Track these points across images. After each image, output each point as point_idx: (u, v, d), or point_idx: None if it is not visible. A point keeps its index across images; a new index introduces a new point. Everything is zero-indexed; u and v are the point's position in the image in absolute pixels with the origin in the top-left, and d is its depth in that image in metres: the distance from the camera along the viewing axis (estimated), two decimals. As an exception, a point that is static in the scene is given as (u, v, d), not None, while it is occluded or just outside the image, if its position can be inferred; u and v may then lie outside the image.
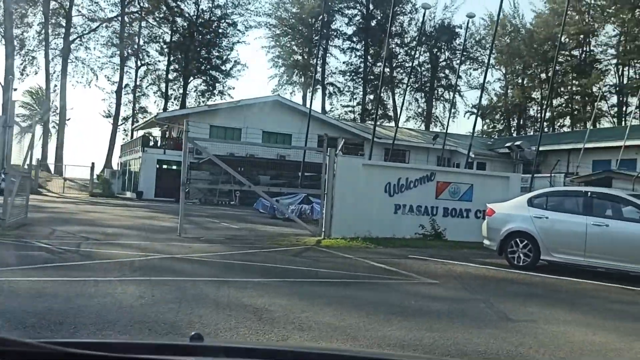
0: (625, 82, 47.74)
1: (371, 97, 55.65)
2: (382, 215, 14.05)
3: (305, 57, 54.91)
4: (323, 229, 13.71)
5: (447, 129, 34.31)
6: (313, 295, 6.37)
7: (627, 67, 48.24)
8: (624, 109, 48.26)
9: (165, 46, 53.94)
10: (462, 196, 15.03)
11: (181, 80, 54.21)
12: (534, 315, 5.96)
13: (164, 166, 36.66)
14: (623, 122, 42.19)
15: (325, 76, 56.42)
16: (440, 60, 56.17)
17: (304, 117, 31.17)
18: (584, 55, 50.66)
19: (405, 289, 7.36)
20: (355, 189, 13.93)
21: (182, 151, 13.56)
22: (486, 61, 52.30)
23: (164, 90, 54.09)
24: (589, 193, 10.00)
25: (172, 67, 54.61)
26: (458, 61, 44.62)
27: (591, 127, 35.51)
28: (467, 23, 33.20)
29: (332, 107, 57.50)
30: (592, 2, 48.56)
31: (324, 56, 56.03)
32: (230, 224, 18.09)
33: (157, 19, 53.41)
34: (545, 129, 48.77)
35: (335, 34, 56.25)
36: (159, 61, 54.39)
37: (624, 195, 9.92)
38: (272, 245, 11.77)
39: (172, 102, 53.81)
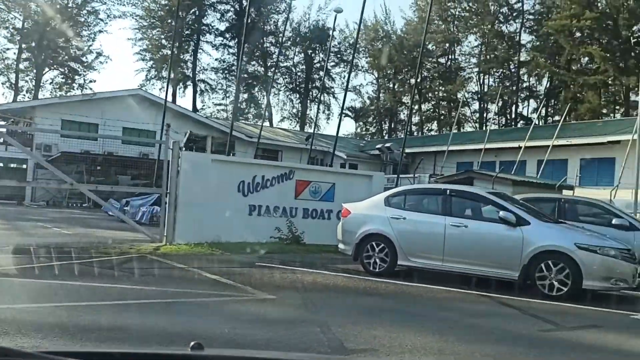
0: (485, 89, 50.50)
1: (245, 95, 54.01)
2: (234, 218, 12.49)
3: (175, 51, 51.83)
4: (165, 234, 11.92)
5: (314, 129, 34.09)
6: (86, 328, 4.66)
7: (487, 76, 51.08)
8: (485, 114, 51.09)
9: (15, 33, 48.26)
10: (324, 196, 13.94)
11: (34, 71, 48.83)
12: (376, 341, 4.74)
13: (11, 165, 32.77)
14: (484, 127, 44.35)
15: (197, 72, 53.83)
16: (315, 61, 55.83)
17: (170, 112, 28.96)
18: (449, 63, 52.88)
19: (228, 309, 5.87)
20: (204, 187, 12.27)
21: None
22: (357, 63, 53.47)
23: (13, 82, 48.42)
24: (448, 191, 9.21)
25: (23, 56, 49.01)
26: (331, 63, 44.22)
27: (455, 131, 36.76)
28: (335, 18, 32.85)
29: (203, 105, 55.05)
30: (457, 13, 50.90)
31: (195, 52, 53.43)
32: (65, 228, 15.62)
33: (6, 3, 47.64)
34: (415, 132, 50.27)
35: (207, 29, 53.83)
36: (8, 49, 48.64)
37: (484, 193, 9.26)
38: (96, 255, 9.78)
39: (24, 95, 48.27)
